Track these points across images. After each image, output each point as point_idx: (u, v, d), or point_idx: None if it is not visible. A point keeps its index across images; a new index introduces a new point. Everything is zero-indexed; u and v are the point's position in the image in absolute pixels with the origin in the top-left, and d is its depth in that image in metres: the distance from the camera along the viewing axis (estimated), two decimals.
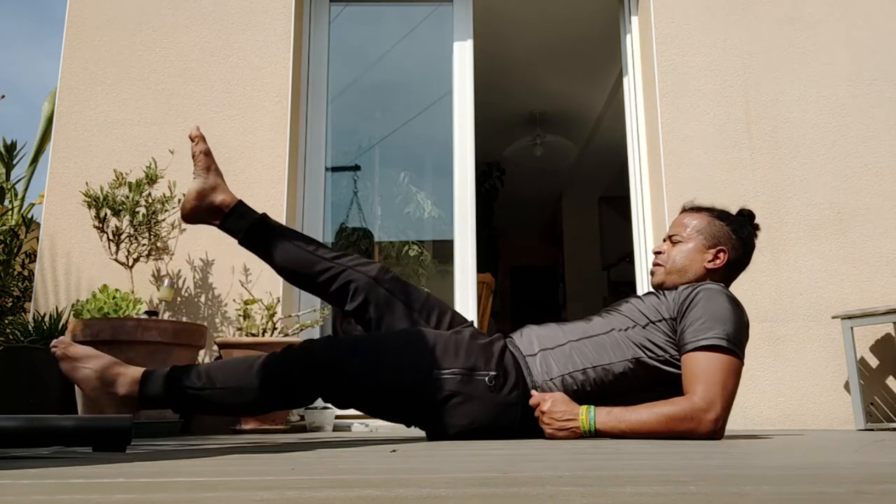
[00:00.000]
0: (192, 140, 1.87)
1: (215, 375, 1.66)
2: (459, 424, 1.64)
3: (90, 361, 1.69)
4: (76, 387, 2.48)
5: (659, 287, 1.84)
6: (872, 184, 3.20)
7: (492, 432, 1.67)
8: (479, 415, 1.64)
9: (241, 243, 1.89)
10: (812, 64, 3.33)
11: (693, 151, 3.23)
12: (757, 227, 1.87)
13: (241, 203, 1.87)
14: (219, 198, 1.85)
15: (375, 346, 1.69)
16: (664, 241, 1.90)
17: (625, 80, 3.64)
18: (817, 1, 3.39)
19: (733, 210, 1.90)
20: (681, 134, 3.24)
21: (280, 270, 1.91)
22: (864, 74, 3.31)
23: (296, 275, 1.89)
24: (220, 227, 1.88)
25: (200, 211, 1.85)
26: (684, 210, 1.92)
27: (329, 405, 2.94)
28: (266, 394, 1.67)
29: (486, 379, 1.64)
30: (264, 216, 1.89)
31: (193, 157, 1.87)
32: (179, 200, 2.89)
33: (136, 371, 1.69)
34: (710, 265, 1.79)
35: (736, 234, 1.82)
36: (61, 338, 1.74)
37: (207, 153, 1.87)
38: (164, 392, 1.66)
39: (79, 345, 1.73)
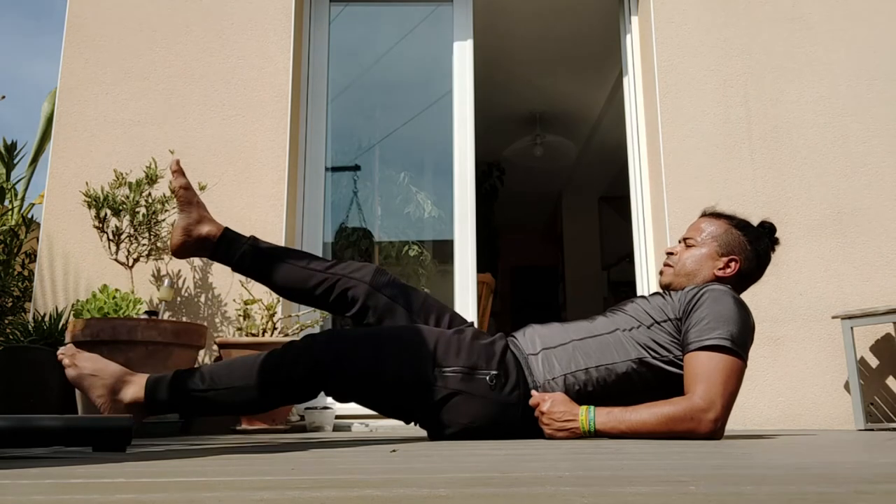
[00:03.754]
0: (173, 174, 1.86)
1: (218, 377, 1.67)
2: (460, 423, 1.64)
3: (97, 371, 1.71)
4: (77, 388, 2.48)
5: (666, 287, 1.84)
6: (872, 184, 3.20)
7: (492, 432, 1.67)
8: (479, 414, 1.64)
9: (234, 270, 1.90)
10: (812, 64, 3.33)
11: (693, 151, 3.23)
12: (776, 241, 1.86)
13: (227, 231, 1.87)
14: (205, 229, 1.85)
15: (377, 342, 1.69)
16: (679, 242, 1.89)
17: (625, 80, 3.64)
18: (817, 1, 3.39)
19: (747, 216, 1.89)
20: (681, 134, 3.24)
21: (277, 290, 1.92)
22: (864, 74, 3.31)
23: (293, 292, 1.90)
24: (211, 258, 1.89)
25: (188, 245, 1.85)
26: (704, 214, 1.91)
27: (329, 405, 2.94)
28: (269, 392, 1.68)
29: (488, 378, 1.64)
30: (253, 240, 1.89)
31: (173, 192, 1.87)
32: None
33: (141, 379, 1.71)
34: (720, 273, 1.79)
35: (751, 246, 1.81)
36: (69, 346, 1.76)
37: (187, 187, 1.86)
38: (169, 397, 1.68)
39: (86, 353, 1.75)
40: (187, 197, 1.85)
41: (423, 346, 1.66)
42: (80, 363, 1.72)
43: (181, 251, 1.86)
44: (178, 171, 1.85)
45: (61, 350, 1.74)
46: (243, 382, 1.66)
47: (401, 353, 1.66)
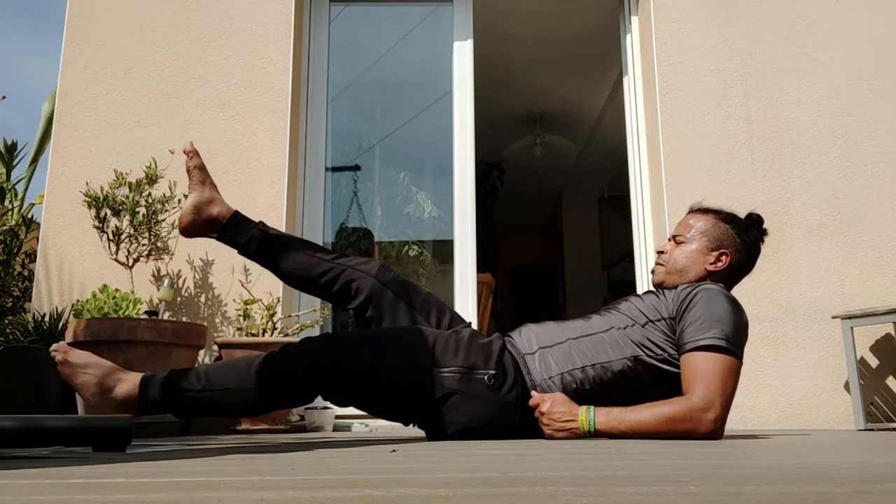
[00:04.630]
0: (187, 155, 1.89)
1: (214, 377, 1.66)
2: (458, 423, 1.64)
3: (90, 368, 1.68)
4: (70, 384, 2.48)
5: (659, 286, 1.84)
6: (872, 184, 3.20)
7: (490, 432, 1.67)
8: (477, 414, 1.64)
9: (240, 252, 1.92)
10: (812, 64, 3.33)
11: (693, 151, 3.23)
12: (764, 233, 1.86)
13: (237, 214, 1.90)
14: (215, 210, 1.87)
15: (375, 343, 1.69)
16: (669, 240, 1.89)
17: (625, 79, 3.64)
18: (817, 1, 3.39)
19: (742, 213, 1.89)
20: (681, 134, 3.24)
21: (281, 276, 1.93)
22: (864, 74, 3.31)
23: (297, 279, 1.91)
24: (219, 239, 1.90)
25: (198, 224, 1.87)
26: (691, 211, 1.91)
27: (329, 405, 2.94)
28: (266, 394, 1.66)
29: (486, 377, 1.64)
30: (261, 225, 1.91)
31: (188, 171, 1.90)
32: (180, 201, 2.89)
33: (135, 377, 1.68)
34: (712, 267, 1.79)
35: (740, 238, 1.81)
36: (61, 343, 1.73)
37: (202, 168, 1.90)
38: (163, 396, 1.65)
39: (79, 350, 1.73)
40: (201, 177, 1.88)
41: (422, 346, 1.66)
42: (73, 359, 1.69)
43: (190, 230, 1.88)
44: (193, 152, 1.89)
45: (54, 346, 1.70)
46: (240, 383, 1.65)
47: (399, 353, 1.66)
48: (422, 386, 1.63)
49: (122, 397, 1.66)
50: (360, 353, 1.66)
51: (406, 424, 1.78)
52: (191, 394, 1.65)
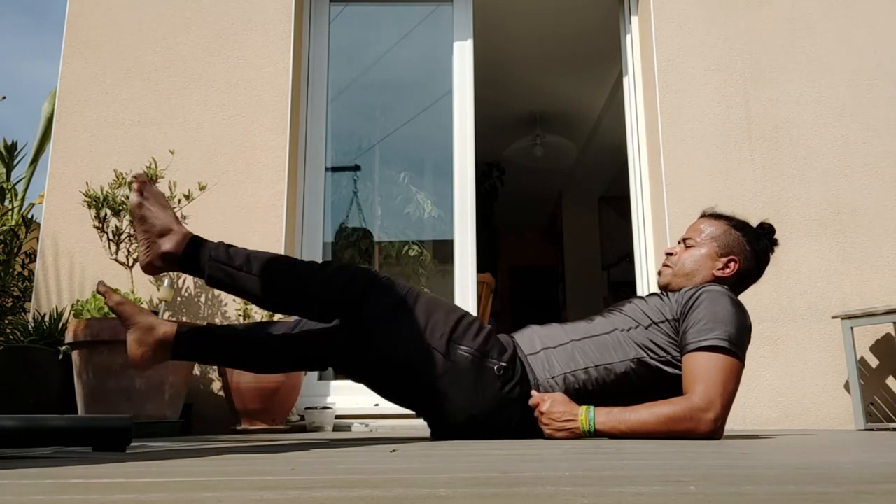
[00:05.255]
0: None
1: (255, 263, 1.70)
2: (458, 405, 1.65)
3: (156, 207, 1.72)
4: (76, 384, 2.48)
5: (664, 288, 1.84)
6: (872, 184, 3.20)
7: (489, 428, 1.67)
8: (479, 402, 1.65)
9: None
10: (812, 64, 3.33)
11: (693, 151, 3.22)
12: (775, 243, 1.87)
13: (178, 336, 1.79)
14: (160, 332, 1.78)
15: (410, 292, 1.72)
16: (678, 242, 1.90)
17: (625, 79, 3.64)
18: (817, 1, 3.39)
19: (743, 213, 1.90)
20: (681, 134, 3.24)
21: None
22: (864, 74, 3.31)
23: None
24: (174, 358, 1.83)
25: (149, 356, 1.79)
26: (703, 215, 1.91)
27: (329, 405, 2.94)
28: (293, 301, 1.73)
29: (496, 368, 1.65)
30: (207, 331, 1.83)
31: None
32: (180, 200, 2.90)
33: (184, 235, 1.72)
34: (720, 273, 1.79)
35: (750, 247, 1.81)
36: (143, 175, 1.76)
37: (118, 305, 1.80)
38: (202, 260, 1.70)
39: (156, 189, 1.76)
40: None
41: (450, 315, 1.69)
42: (147, 195, 1.72)
43: (144, 362, 1.79)
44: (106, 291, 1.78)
45: (137, 174, 1.74)
46: (275, 280, 1.70)
47: (427, 310, 1.69)
48: (434, 350, 1.64)
49: (168, 248, 1.70)
50: (394, 295, 1.69)
51: (407, 395, 1.77)
52: (227, 268, 1.69)
